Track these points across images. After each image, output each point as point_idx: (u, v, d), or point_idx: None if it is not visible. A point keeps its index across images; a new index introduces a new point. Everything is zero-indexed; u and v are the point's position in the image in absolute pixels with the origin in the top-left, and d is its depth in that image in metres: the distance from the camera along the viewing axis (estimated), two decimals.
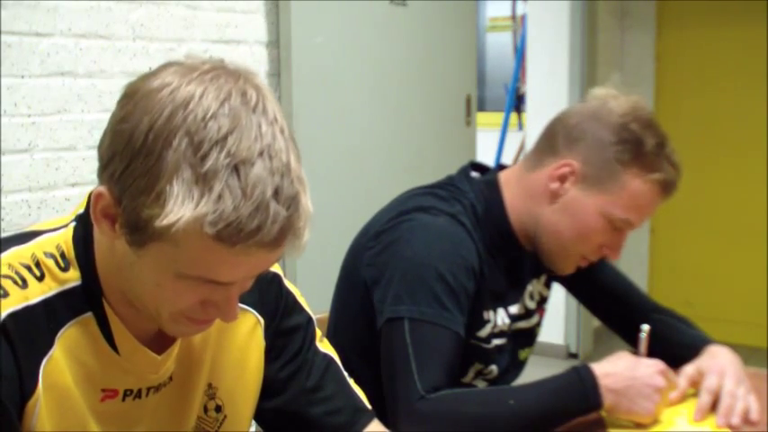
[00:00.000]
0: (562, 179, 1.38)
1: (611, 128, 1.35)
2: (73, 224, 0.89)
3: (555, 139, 1.41)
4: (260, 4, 2.60)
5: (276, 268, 1.06)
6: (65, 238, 0.88)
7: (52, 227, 0.90)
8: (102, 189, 0.79)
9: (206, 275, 0.78)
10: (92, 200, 0.81)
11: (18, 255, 0.85)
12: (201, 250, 0.75)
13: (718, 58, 4.35)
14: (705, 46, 4.39)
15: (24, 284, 0.83)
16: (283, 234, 0.76)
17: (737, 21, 4.28)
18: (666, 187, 1.36)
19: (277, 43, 2.65)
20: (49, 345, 0.84)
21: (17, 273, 0.83)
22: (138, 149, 0.76)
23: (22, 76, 1.98)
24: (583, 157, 1.37)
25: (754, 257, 4.28)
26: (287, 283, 1.07)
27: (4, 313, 0.80)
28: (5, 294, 0.81)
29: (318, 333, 1.10)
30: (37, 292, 0.83)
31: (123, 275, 0.84)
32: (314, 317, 1.10)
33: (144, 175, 0.75)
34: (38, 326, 0.83)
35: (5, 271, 0.83)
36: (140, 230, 0.77)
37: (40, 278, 0.84)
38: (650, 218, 4.68)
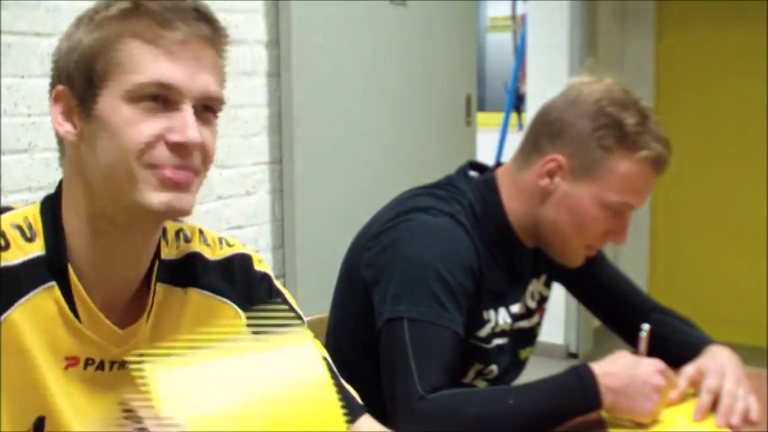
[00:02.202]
0: (550, 175, 1.38)
1: (588, 116, 1.35)
2: (39, 201, 0.95)
3: (537, 136, 1.41)
4: (260, 4, 2.60)
5: (267, 269, 1.09)
6: (33, 212, 0.93)
7: (19, 206, 0.95)
8: (58, 87, 0.92)
9: (159, 81, 0.88)
10: (51, 105, 0.92)
11: None
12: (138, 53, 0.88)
13: (718, 58, 4.35)
14: (705, 46, 4.40)
15: None
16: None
17: (737, 21, 4.28)
18: (657, 163, 1.35)
19: (277, 43, 2.65)
20: (3, 309, 0.87)
21: None
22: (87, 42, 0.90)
23: (22, 76, 1.98)
24: (567, 150, 1.37)
25: (754, 257, 4.28)
26: (277, 284, 1.09)
27: None
28: None
29: (310, 334, 1.11)
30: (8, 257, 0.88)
31: (90, 191, 0.91)
32: (305, 318, 1.11)
33: (90, 53, 0.89)
34: None
35: None
36: (92, 78, 0.88)
37: (5, 248, 0.89)
38: (650, 216, 4.63)
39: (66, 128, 0.92)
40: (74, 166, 0.94)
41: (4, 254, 0.88)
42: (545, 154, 1.38)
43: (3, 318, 0.87)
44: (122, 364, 0.94)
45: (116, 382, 0.94)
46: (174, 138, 0.88)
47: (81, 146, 0.91)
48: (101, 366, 0.93)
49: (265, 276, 1.07)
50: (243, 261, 1.06)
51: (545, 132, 1.40)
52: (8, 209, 0.94)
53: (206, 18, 0.92)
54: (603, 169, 1.34)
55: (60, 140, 0.95)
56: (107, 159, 0.89)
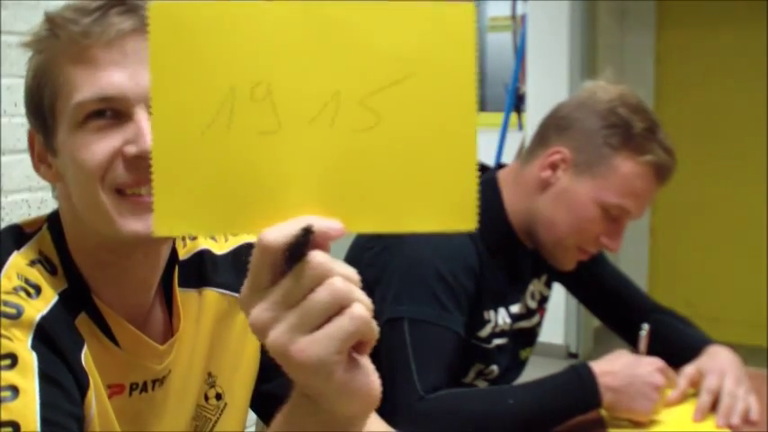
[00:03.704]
0: (553, 167, 1.38)
1: (599, 113, 1.36)
2: (45, 226, 0.90)
3: (546, 131, 1.42)
4: None
5: None
6: (46, 244, 0.88)
7: (29, 228, 0.90)
8: (29, 130, 0.89)
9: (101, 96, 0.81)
10: (29, 149, 0.89)
11: (19, 262, 0.85)
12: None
13: (718, 58, 4.35)
14: (705, 46, 4.40)
15: (37, 291, 0.83)
16: None
17: (737, 21, 4.28)
18: (659, 171, 1.35)
19: None
20: (82, 337, 0.84)
21: (27, 281, 0.84)
22: (30, 82, 0.87)
23: (23, 76, 1.98)
24: (573, 143, 1.37)
25: (754, 257, 4.28)
26: None
27: (38, 317, 0.81)
28: (30, 296, 0.82)
29: None
30: (50, 296, 0.84)
31: (83, 226, 0.86)
32: None
33: (36, 91, 0.86)
34: (66, 322, 0.84)
35: (17, 282, 0.83)
36: (43, 113, 0.84)
37: (36, 293, 0.84)
38: (650, 216, 4.61)
39: (43, 170, 0.88)
40: (65, 203, 0.89)
41: (36, 302, 0.82)
42: (551, 146, 1.39)
43: (83, 351, 0.84)
44: (162, 381, 0.93)
45: (158, 402, 0.93)
46: (131, 150, 0.81)
47: (64, 183, 0.87)
48: (144, 388, 0.91)
49: None
50: (250, 250, 1.04)
51: (554, 126, 1.41)
52: (18, 228, 0.90)
53: (129, 9, 0.82)
54: (606, 167, 1.34)
55: None
56: (78, 192, 0.84)
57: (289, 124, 0.54)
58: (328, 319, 0.53)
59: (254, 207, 0.55)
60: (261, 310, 0.54)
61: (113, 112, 0.81)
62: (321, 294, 0.53)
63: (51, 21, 0.83)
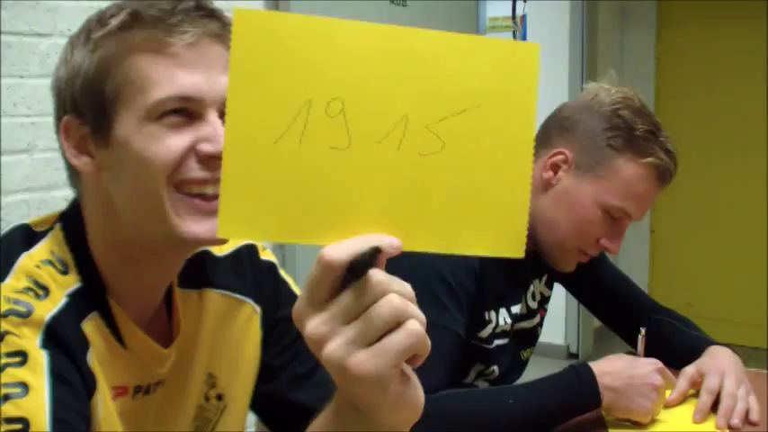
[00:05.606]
0: (555, 168, 1.38)
1: (602, 115, 1.36)
2: (58, 226, 0.89)
3: (548, 132, 1.42)
4: (260, 4, 2.60)
5: (272, 257, 1.08)
6: (58, 244, 0.88)
7: (39, 228, 0.90)
8: (65, 118, 0.85)
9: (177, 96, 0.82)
10: (62, 138, 0.86)
11: (28, 264, 0.85)
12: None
13: (719, 58, 4.35)
14: (705, 46, 4.40)
15: (46, 292, 0.83)
16: None
17: (737, 21, 4.28)
18: (661, 173, 1.36)
19: None
20: (87, 339, 0.84)
21: (36, 282, 0.83)
22: (92, 71, 0.84)
23: (22, 76, 1.98)
24: (575, 144, 1.37)
25: (754, 258, 4.28)
26: (282, 273, 1.08)
27: (48, 316, 0.81)
28: (39, 298, 0.82)
29: None
30: (58, 297, 0.84)
31: (117, 220, 0.85)
32: None
33: (98, 81, 0.83)
34: (73, 323, 0.84)
35: (25, 283, 0.83)
36: (103, 102, 0.82)
37: (45, 294, 0.84)
38: (650, 216, 4.61)
39: (83, 160, 0.86)
40: (96, 197, 0.87)
41: (45, 302, 0.82)
42: (553, 147, 1.39)
43: (89, 352, 0.84)
44: (163, 382, 0.93)
45: (156, 402, 0.93)
46: (206, 148, 0.82)
47: (101, 176, 0.85)
48: (147, 390, 0.92)
49: (271, 265, 1.07)
50: (250, 252, 1.05)
51: (557, 127, 1.41)
52: (27, 227, 0.90)
53: (211, 13, 0.85)
54: (608, 169, 1.34)
55: (73, 170, 0.88)
56: (133, 186, 0.83)
57: (358, 142, 0.56)
58: (384, 334, 0.55)
59: (318, 219, 0.57)
60: (318, 324, 0.56)
61: (186, 111, 0.82)
62: (381, 310, 0.55)
63: (135, 16, 0.83)
